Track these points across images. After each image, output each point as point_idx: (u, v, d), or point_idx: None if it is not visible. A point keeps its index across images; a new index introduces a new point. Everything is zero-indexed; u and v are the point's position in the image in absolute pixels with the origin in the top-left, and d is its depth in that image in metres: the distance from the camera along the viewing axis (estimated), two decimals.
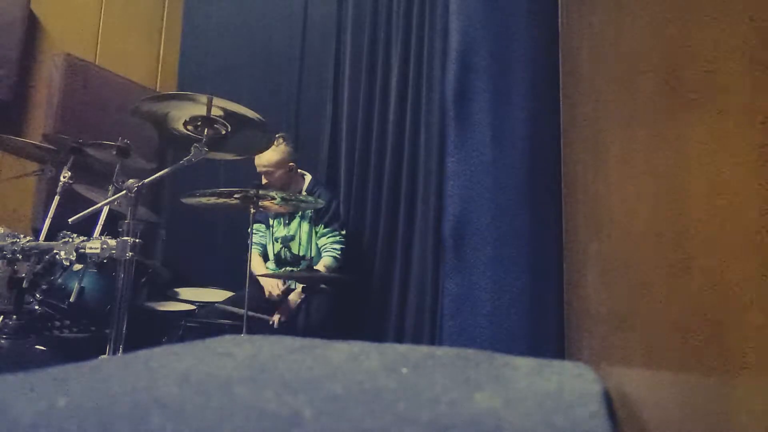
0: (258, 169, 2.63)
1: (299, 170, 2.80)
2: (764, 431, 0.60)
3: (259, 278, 2.53)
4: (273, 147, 2.56)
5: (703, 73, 0.79)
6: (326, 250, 2.66)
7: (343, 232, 2.74)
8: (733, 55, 0.72)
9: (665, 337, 0.88)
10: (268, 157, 2.57)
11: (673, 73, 0.88)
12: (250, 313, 1.99)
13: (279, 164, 2.62)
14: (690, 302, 0.80)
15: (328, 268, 2.61)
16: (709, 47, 0.78)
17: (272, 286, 2.52)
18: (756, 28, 0.67)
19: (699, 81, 0.80)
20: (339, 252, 2.66)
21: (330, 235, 2.68)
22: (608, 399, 0.46)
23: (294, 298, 2.52)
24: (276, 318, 2.40)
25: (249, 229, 2.20)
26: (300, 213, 2.69)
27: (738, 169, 0.70)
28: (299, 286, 2.54)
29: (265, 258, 2.81)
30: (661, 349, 0.90)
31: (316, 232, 2.70)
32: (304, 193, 2.71)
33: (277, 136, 2.59)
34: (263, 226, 2.82)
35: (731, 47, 0.72)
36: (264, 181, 2.63)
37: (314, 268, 2.62)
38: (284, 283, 2.56)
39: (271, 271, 2.74)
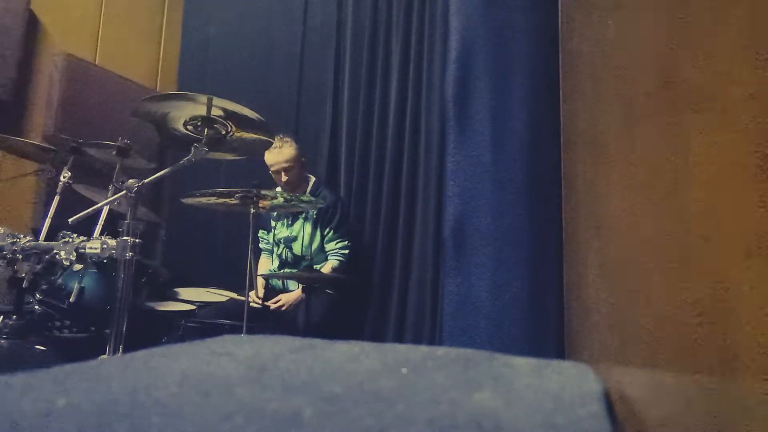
0: (274, 168, 2.61)
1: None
2: (764, 431, 0.61)
3: (258, 281, 2.55)
4: (287, 145, 2.59)
5: (703, 73, 0.79)
6: (335, 254, 2.68)
7: (350, 237, 2.74)
8: (733, 55, 0.72)
9: (665, 337, 0.88)
10: (286, 153, 2.58)
11: (673, 73, 0.88)
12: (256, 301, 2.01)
13: (295, 160, 2.64)
14: (689, 302, 0.80)
15: (334, 269, 2.65)
16: (709, 47, 0.78)
17: (252, 295, 2.48)
18: (756, 28, 0.67)
19: (699, 81, 0.80)
20: (346, 257, 2.69)
21: (338, 240, 2.69)
22: (608, 399, 0.46)
23: (293, 296, 2.53)
24: (275, 304, 2.47)
25: (251, 229, 2.19)
26: (303, 214, 2.68)
27: (738, 169, 0.70)
28: (299, 288, 2.54)
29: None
30: (661, 349, 0.90)
31: (324, 236, 2.69)
32: (307, 194, 2.70)
33: (282, 136, 2.61)
34: (265, 232, 2.81)
35: (731, 47, 0.72)
36: (284, 178, 2.61)
37: (318, 269, 2.63)
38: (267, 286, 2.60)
39: (271, 272, 2.74)
